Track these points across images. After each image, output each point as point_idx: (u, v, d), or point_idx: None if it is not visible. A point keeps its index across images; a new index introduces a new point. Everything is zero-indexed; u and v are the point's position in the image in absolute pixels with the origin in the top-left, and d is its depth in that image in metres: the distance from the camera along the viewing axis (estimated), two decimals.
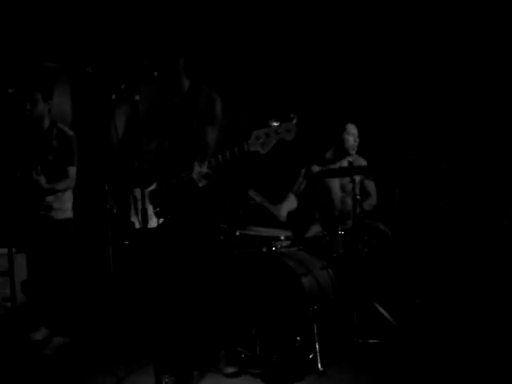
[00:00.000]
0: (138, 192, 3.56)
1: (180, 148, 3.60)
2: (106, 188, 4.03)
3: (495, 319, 4.45)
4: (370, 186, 5.29)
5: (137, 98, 3.17)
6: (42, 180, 4.46)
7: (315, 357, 3.77)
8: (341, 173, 4.79)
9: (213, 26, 5.71)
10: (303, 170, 5.26)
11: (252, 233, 4.52)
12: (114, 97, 3.27)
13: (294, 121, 3.16)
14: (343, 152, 5.19)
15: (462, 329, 4.41)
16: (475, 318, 4.56)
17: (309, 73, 5.93)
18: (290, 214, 5.02)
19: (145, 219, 3.05)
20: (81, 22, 5.59)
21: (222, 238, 4.29)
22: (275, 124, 3.16)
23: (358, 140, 5.18)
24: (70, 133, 4.67)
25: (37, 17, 5.54)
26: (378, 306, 4.37)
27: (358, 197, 4.50)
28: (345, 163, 4.96)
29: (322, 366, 3.73)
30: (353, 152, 5.17)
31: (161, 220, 3.51)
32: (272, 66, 5.92)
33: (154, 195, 3.53)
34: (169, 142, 3.63)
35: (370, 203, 5.19)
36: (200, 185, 3.37)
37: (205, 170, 3.32)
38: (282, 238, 4.47)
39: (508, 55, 5.30)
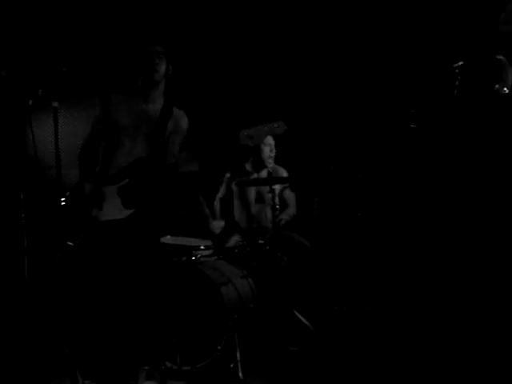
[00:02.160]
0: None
1: (154, 151, 3.67)
2: (22, 196, 3.91)
3: (413, 324, 4.57)
4: (290, 196, 5.36)
5: (55, 104, 3.11)
6: None
7: (236, 366, 3.76)
8: (261, 182, 4.83)
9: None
10: (227, 175, 5.29)
11: (171, 242, 4.49)
12: (30, 102, 3.19)
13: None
14: (260, 163, 5.21)
15: (381, 335, 4.51)
16: (393, 324, 4.67)
17: (229, 83, 5.95)
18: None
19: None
20: None
21: (142, 247, 4.23)
22: (262, 124, 3.34)
23: (274, 151, 5.22)
24: None
25: None
26: (297, 313, 4.42)
27: (278, 206, 4.56)
28: (264, 174, 5.01)
29: (242, 375, 3.73)
30: (270, 162, 5.20)
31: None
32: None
33: (124, 190, 3.55)
34: (142, 145, 3.67)
35: (288, 213, 5.26)
36: (182, 170, 3.59)
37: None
38: (202, 247, 4.46)
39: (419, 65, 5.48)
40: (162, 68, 3.67)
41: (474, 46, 4.26)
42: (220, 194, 5.33)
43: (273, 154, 5.20)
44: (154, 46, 3.68)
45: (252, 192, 5.23)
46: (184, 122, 3.84)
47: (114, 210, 3.52)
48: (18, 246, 3.96)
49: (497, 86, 3.75)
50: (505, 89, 3.80)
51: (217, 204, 5.32)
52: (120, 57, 5.07)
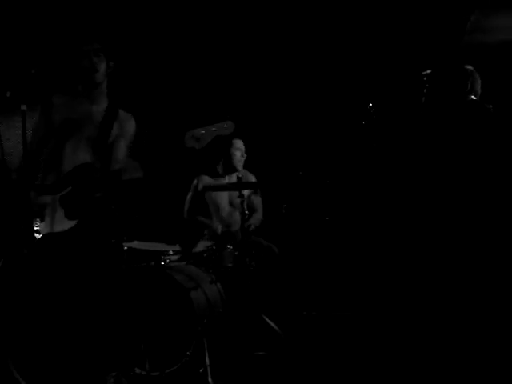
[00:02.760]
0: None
1: (97, 156, 3.52)
2: None
3: (381, 328, 4.61)
4: (257, 201, 5.38)
5: (23, 107, 3.06)
6: None
7: (205, 371, 3.75)
8: (229, 187, 4.84)
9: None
10: (195, 182, 5.28)
11: (140, 247, 4.45)
12: None
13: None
14: (231, 167, 5.24)
15: (349, 340, 4.54)
16: (362, 328, 4.71)
17: (198, 85, 5.94)
18: (178, 227, 5.01)
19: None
20: None
21: (109, 252, 4.20)
22: (210, 125, 3.17)
23: (245, 155, 5.24)
24: None
25: None
26: (266, 318, 4.42)
27: (247, 212, 4.57)
28: (234, 178, 5.01)
29: (212, 380, 3.72)
30: (240, 167, 5.23)
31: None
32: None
33: (67, 199, 3.39)
34: (83, 150, 3.52)
35: (257, 218, 5.28)
36: (124, 178, 3.36)
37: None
38: (171, 252, 4.44)
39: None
40: (102, 67, 3.48)
41: (442, 54, 4.34)
42: (189, 198, 5.31)
43: (243, 159, 5.23)
44: (89, 44, 3.46)
45: (224, 197, 5.24)
46: (131, 126, 3.66)
47: (55, 221, 3.35)
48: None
49: (462, 95, 3.82)
50: (471, 96, 3.88)
51: (187, 209, 5.29)
52: (59, 57, 4.92)
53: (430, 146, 3.96)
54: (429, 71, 3.62)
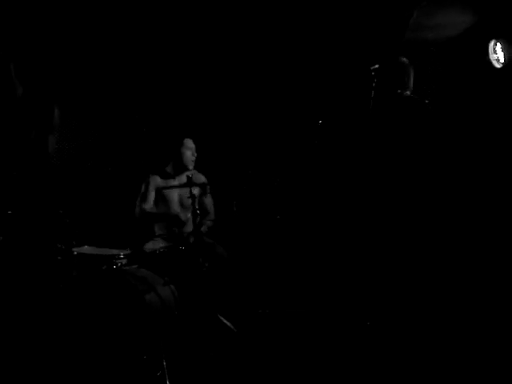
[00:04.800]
0: None
1: (19, 158, 3.35)
2: None
3: (338, 325, 4.65)
4: (208, 201, 5.37)
5: None
6: None
7: (163, 374, 3.71)
8: (180, 187, 4.81)
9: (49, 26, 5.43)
10: (145, 182, 5.22)
11: (90, 252, 4.37)
12: None
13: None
14: (182, 166, 5.21)
15: (303, 337, 4.57)
16: (316, 325, 4.75)
17: (149, 84, 5.87)
18: (127, 230, 4.96)
19: None
20: None
21: (59, 258, 4.11)
22: None
23: (195, 154, 5.23)
24: None
25: None
26: (222, 318, 4.42)
27: (198, 211, 4.55)
28: (184, 178, 4.98)
29: (170, 383, 3.69)
30: (191, 166, 5.22)
31: None
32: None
33: None
34: (5, 151, 3.35)
35: (208, 220, 5.28)
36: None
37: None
38: (122, 255, 4.37)
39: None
40: None
41: (386, 50, 4.42)
42: (141, 198, 5.23)
43: (194, 158, 5.21)
44: None
45: (174, 198, 5.20)
46: (55, 115, 3.51)
47: None
48: None
49: (399, 90, 3.91)
50: (407, 92, 3.97)
51: (139, 207, 5.21)
52: None
53: (373, 143, 4.03)
54: (377, 66, 3.67)
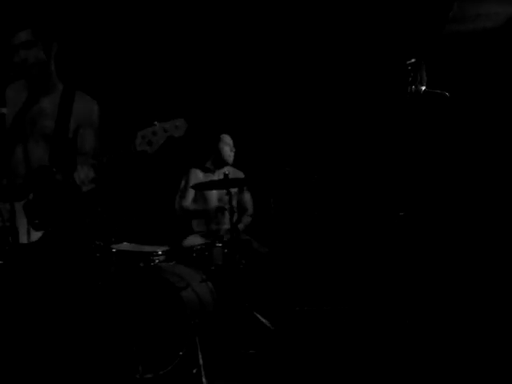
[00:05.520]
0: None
1: (56, 155, 3.27)
2: None
3: (375, 323, 4.60)
4: (247, 197, 5.37)
5: (3, 111, 2.97)
6: None
7: (199, 371, 3.71)
8: (218, 185, 4.80)
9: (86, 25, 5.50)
10: (186, 176, 5.24)
11: (128, 248, 4.41)
12: None
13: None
14: (221, 162, 5.24)
15: (342, 334, 4.53)
16: (355, 323, 4.70)
17: (188, 80, 5.89)
18: (166, 226, 4.99)
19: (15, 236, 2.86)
20: None
21: (98, 255, 4.16)
22: (162, 122, 2.95)
23: (234, 150, 5.25)
24: None
25: None
26: (259, 316, 4.40)
27: (234, 209, 4.55)
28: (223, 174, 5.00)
29: (206, 380, 3.69)
30: (230, 161, 5.23)
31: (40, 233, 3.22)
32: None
33: (30, 206, 3.18)
34: (43, 148, 3.28)
35: (247, 216, 5.28)
36: (85, 189, 3.04)
37: (91, 173, 3.01)
38: (160, 252, 4.40)
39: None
40: (31, 57, 3.15)
41: (425, 44, 4.33)
42: (181, 192, 5.26)
43: (233, 153, 5.22)
44: (17, 35, 3.16)
45: (214, 194, 5.21)
46: (93, 110, 3.33)
47: (30, 230, 3.13)
48: None
49: (413, 87, 3.79)
50: (423, 88, 3.85)
51: (179, 203, 5.24)
52: None
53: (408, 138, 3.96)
54: (413, 60, 3.59)
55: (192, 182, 5.18)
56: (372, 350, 4.07)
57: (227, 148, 5.23)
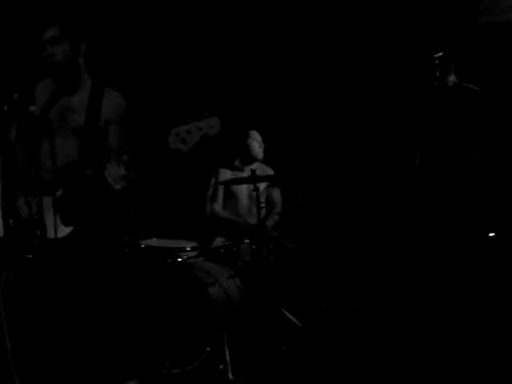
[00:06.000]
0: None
1: (86, 150, 3.29)
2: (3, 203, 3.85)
3: (403, 320, 4.56)
4: (276, 194, 5.36)
5: (32, 108, 3.01)
6: None
7: (226, 367, 3.73)
8: (246, 181, 4.80)
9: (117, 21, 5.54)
10: (214, 176, 5.27)
11: (157, 244, 4.45)
12: (5, 108, 3.07)
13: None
14: (250, 158, 5.23)
15: (371, 331, 4.50)
16: (383, 319, 4.67)
17: (215, 77, 5.91)
18: (195, 223, 5.02)
19: (43, 229, 2.89)
20: None
21: (126, 251, 4.20)
22: (196, 121, 2.91)
23: (263, 146, 5.24)
24: None
25: None
26: (286, 312, 4.40)
27: (263, 205, 4.54)
28: (254, 167, 5.02)
29: (233, 376, 3.70)
30: (260, 157, 5.23)
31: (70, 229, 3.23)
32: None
33: (60, 202, 3.19)
34: (72, 143, 3.30)
35: (275, 213, 5.28)
36: (117, 187, 3.03)
37: (122, 171, 3.00)
38: (188, 248, 4.42)
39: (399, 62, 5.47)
40: (58, 53, 3.18)
41: (455, 36, 4.25)
42: (211, 194, 5.29)
43: (262, 150, 5.22)
44: (46, 32, 3.19)
45: (243, 190, 5.22)
46: (123, 107, 3.36)
47: (57, 225, 3.14)
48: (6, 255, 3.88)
49: (442, 81, 3.71)
50: (452, 81, 3.76)
51: (210, 205, 5.27)
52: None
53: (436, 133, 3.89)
54: (441, 54, 3.52)
55: (221, 179, 5.21)
56: (400, 348, 4.03)
57: (256, 144, 5.22)
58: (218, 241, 4.99)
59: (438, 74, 3.51)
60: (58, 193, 3.19)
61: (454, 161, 3.89)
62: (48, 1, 4.93)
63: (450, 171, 3.93)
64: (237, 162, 5.32)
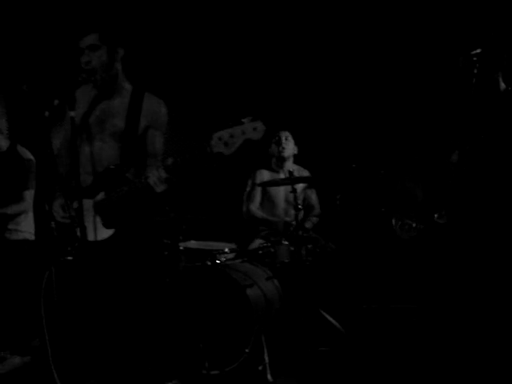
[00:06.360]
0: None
1: (127, 154, 3.35)
2: (46, 207, 3.95)
3: (441, 321, 4.51)
4: (313, 196, 5.36)
5: (72, 114, 3.07)
6: None
7: (265, 368, 3.74)
8: (283, 183, 4.81)
9: (156, 27, 5.62)
10: (252, 177, 5.30)
11: (196, 246, 4.49)
12: (47, 114, 3.14)
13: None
14: (282, 159, 5.25)
15: (408, 332, 4.46)
16: (421, 320, 4.62)
17: (255, 80, 5.94)
18: (233, 225, 5.04)
19: (84, 232, 2.95)
20: (14, 37, 5.47)
21: (166, 253, 4.24)
22: (239, 125, 2.90)
23: (295, 147, 5.26)
24: (28, 156, 4.65)
25: None
26: (325, 313, 4.39)
27: (300, 206, 4.53)
28: (289, 167, 5.04)
29: (271, 377, 3.71)
30: (291, 158, 5.24)
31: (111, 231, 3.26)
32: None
33: (101, 205, 3.27)
34: (112, 147, 3.37)
35: (314, 215, 5.27)
36: (158, 190, 3.07)
37: (164, 174, 3.03)
38: (226, 250, 4.45)
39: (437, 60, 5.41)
40: (95, 60, 3.27)
41: (493, 33, 4.18)
42: (247, 194, 5.32)
43: (291, 150, 5.23)
44: (84, 39, 3.28)
45: (281, 193, 5.23)
46: (162, 112, 3.41)
47: (97, 227, 3.21)
48: (48, 256, 3.97)
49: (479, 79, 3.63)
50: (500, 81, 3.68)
51: (247, 207, 5.30)
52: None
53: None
54: (478, 50, 3.45)
55: (258, 181, 5.23)
56: (440, 350, 3.99)
57: (288, 144, 5.23)
58: (257, 242, 5.01)
59: (475, 71, 3.45)
60: (99, 196, 3.26)
61: (494, 160, 3.83)
62: (87, 8, 5.04)
63: (490, 170, 3.87)
64: (273, 164, 5.34)
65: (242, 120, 2.90)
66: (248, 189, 5.36)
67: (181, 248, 4.32)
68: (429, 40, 5.40)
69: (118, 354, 3.41)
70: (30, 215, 4.73)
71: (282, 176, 5.23)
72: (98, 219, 3.25)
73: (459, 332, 4.07)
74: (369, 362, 3.95)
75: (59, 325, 3.39)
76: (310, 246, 4.60)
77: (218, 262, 4.26)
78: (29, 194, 4.62)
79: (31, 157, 4.69)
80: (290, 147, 5.24)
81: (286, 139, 5.23)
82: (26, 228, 4.67)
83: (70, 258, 3.26)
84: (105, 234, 3.23)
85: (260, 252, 4.60)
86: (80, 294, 3.31)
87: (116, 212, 3.23)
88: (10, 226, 4.58)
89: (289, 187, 4.69)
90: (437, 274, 4.87)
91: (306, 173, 5.30)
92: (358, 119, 5.76)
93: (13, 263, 4.52)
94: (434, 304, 4.68)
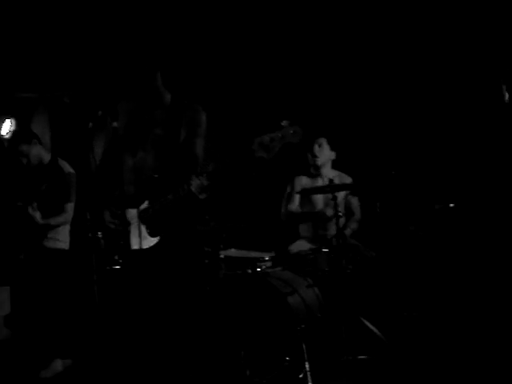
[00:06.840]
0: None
1: (168, 162, 3.36)
2: (88, 216, 4.02)
3: (483, 328, 4.45)
4: (354, 202, 5.33)
5: (115, 124, 3.12)
6: (37, 215, 4.61)
7: (305, 376, 3.73)
8: (323, 190, 4.80)
9: (191, 37, 5.68)
10: (291, 183, 5.32)
11: (236, 255, 4.51)
12: (91, 125, 3.20)
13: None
14: (318, 167, 5.27)
15: (451, 340, 4.41)
16: (463, 328, 4.56)
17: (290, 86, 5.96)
18: (272, 232, 5.06)
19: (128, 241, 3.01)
20: (56, 50, 5.58)
21: (206, 261, 4.28)
22: (278, 130, 2.93)
23: (333, 153, 5.28)
24: (68, 170, 4.80)
25: (11, 46, 5.53)
26: (365, 321, 4.36)
27: (341, 213, 4.52)
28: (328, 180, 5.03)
29: None
30: (328, 164, 5.28)
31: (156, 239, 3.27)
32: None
33: (146, 214, 3.29)
34: (154, 156, 3.39)
35: (354, 221, 5.25)
36: (201, 197, 3.10)
37: (205, 181, 3.06)
38: (267, 258, 4.46)
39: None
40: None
41: None
42: (287, 197, 5.34)
43: (327, 156, 5.22)
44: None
45: (320, 199, 5.22)
46: (202, 120, 3.40)
47: (142, 236, 3.24)
48: (88, 264, 4.05)
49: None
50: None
51: (286, 208, 5.33)
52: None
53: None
54: None
55: (297, 188, 5.25)
56: (479, 356, 3.93)
57: (324, 151, 5.23)
58: (298, 245, 5.02)
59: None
60: (144, 205, 3.29)
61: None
62: (126, 22, 5.13)
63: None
64: (312, 169, 5.34)
65: (282, 124, 2.94)
66: (286, 194, 5.37)
67: (221, 256, 4.36)
68: (465, 49, 5.35)
69: (161, 360, 3.45)
70: (67, 226, 4.87)
71: (320, 182, 5.22)
72: (143, 228, 3.28)
73: (504, 341, 4.02)
74: (408, 370, 3.91)
75: (105, 331, 3.45)
76: (350, 254, 4.58)
77: (258, 270, 4.28)
78: (70, 206, 4.80)
79: (71, 170, 4.82)
80: (324, 154, 5.24)
81: (320, 146, 5.23)
82: (62, 238, 4.85)
83: (116, 267, 3.33)
84: (150, 242, 3.26)
85: (300, 260, 4.60)
86: (126, 302, 3.36)
87: (161, 220, 3.25)
88: (49, 235, 4.74)
89: (329, 194, 4.69)
90: (479, 280, 4.81)
91: (347, 179, 5.27)
92: (398, 127, 5.72)
93: (47, 269, 4.66)
94: (475, 312, 4.62)
